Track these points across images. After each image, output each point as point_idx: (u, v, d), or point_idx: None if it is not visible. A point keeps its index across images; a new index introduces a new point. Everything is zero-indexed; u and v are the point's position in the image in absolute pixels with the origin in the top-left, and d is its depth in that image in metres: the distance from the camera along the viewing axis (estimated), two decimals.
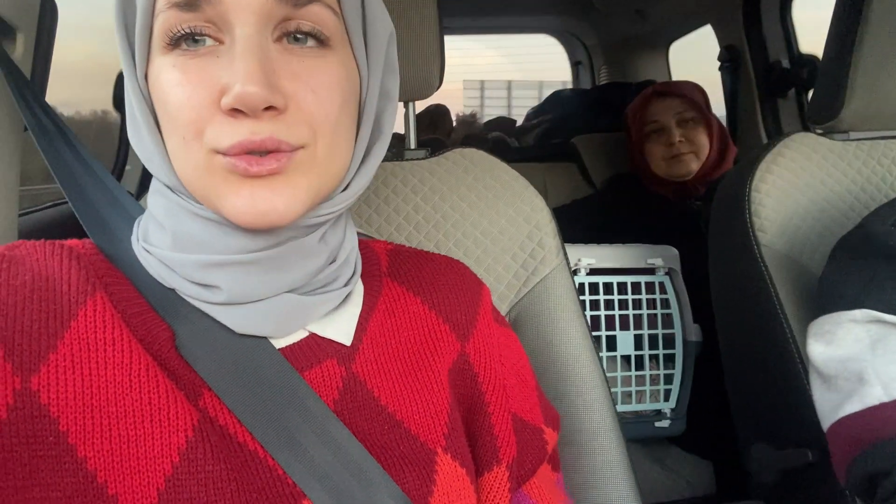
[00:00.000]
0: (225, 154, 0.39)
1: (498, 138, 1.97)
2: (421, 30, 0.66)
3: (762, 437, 0.78)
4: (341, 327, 0.48)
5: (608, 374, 1.09)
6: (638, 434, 1.14)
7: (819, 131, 0.86)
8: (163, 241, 0.44)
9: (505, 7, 2.19)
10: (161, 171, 0.43)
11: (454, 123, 2.14)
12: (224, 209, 0.40)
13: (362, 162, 0.47)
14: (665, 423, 1.12)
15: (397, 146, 0.76)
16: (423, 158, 0.73)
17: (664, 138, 1.44)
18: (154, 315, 0.43)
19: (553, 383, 0.67)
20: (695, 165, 1.42)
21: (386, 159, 0.73)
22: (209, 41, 0.39)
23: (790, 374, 0.72)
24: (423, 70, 0.68)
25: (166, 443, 0.39)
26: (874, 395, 0.53)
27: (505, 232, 0.71)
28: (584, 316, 0.71)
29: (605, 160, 1.75)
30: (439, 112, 2.08)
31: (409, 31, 0.66)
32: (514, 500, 0.54)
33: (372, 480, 0.43)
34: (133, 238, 0.47)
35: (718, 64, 1.76)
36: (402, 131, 0.78)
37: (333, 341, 0.48)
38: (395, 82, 0.47)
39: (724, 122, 1.78)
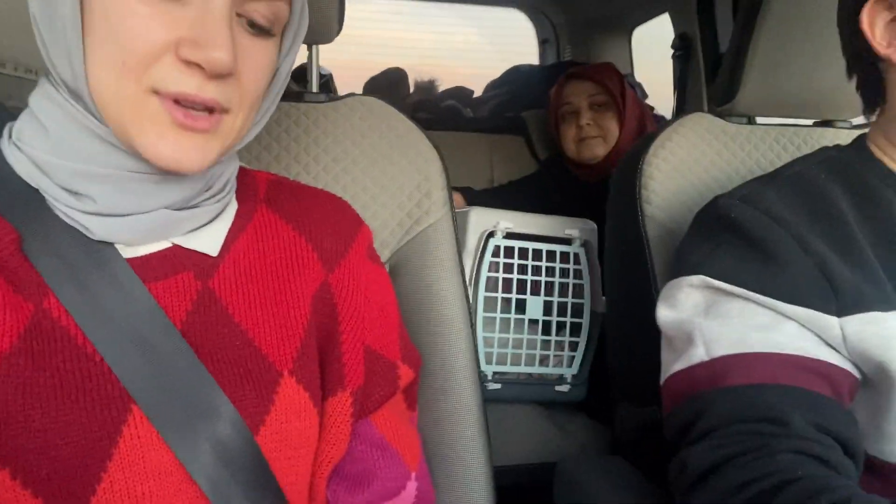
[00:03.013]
0: (162, 96, 0.42)
1: (451, 106, 1.98)
2: None
3: (628, 398, 0.82)
4: (207, 240, 0.50)
5: (516, 336, 1.13)
6: (539, 396, 1.18)
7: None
8: (41, 144, 0.45)
9: None
10: (71, 72, 0.43)
11: (411, 90, 2.14)
12: (143, 146, 0.42)
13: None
14: (565, 388, 1.16)
15: (301, 87, 0.77)
16: (321, 102, 0.74)
17: (575, 120, 1.46)
18: None
19: (422, 329, 0.70)
20: (601, 150, 1.44)
21: (286, 99, 0.74)
22: None
23: (654, 336, 0.75)
24: (323, 15, 0.69)
25: None
26: (697, 355, 0.57)
27: (395, 180, 0.74)
28: (463, 270, 0.73)
29: (552, 136, 1.77)
30: (396, 76, 2.07)
31: None
32: (359, 427, 0.57)
33: (206, 393, 0.45)
34: (4, 136, 0.48)
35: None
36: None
37: (195, 253, 0.49)
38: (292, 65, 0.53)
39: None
